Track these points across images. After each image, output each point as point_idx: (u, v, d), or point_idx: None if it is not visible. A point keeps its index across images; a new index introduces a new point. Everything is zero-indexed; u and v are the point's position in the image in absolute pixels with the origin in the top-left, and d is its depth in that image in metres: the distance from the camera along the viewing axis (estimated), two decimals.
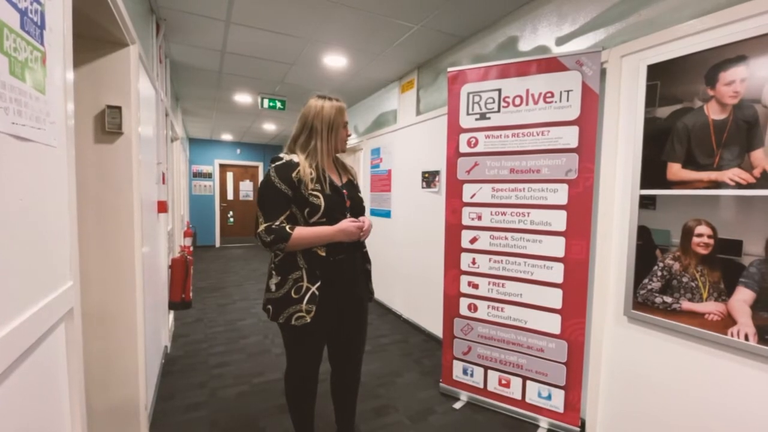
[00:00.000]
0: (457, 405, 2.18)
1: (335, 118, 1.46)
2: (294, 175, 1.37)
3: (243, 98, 4.60)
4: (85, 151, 1.50)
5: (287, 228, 1.33)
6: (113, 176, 1.57)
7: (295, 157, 1.43)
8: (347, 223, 1.38)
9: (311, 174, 1.39)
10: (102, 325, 1.59)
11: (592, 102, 1.80)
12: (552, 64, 1.89)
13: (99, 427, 1.61)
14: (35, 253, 0.73)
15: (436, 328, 3.02)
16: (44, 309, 0.75)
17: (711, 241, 1.41)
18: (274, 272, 1.44)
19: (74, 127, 0.91)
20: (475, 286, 2.17)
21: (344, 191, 1.47)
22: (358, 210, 1.51)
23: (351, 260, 1.48)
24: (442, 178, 2.98)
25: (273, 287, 1.42)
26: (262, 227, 1.34)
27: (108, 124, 1.53)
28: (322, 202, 1.38)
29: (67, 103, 0.87)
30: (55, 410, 0.84)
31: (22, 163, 0.68)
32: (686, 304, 1.48)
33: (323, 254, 1.39)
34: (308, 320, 1.36)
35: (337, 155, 1.57)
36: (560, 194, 1.90)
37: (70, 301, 0.88)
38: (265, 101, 4.39)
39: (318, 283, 1.38)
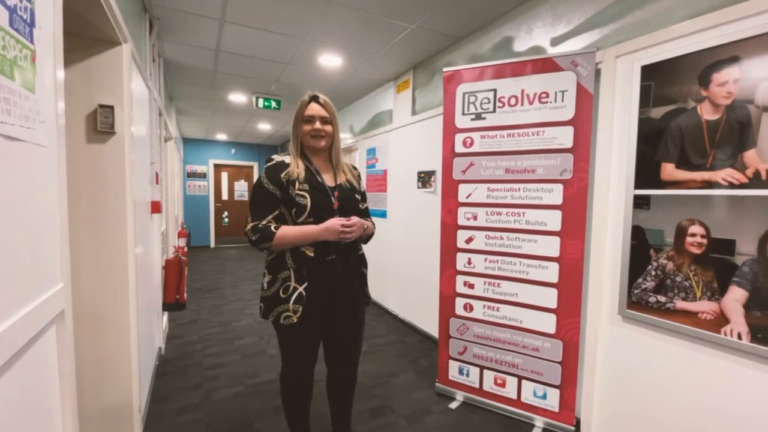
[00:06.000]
0: (453, 405, 2.18)
1: (296, 113, 1.47)
2: (283, 175, 1.39)
3: (238, 98, 4.57)
4: (76, 151, 1.49)
5: (272, 227, 1.34)
6: (105, 176, 1.55)
7: (287, 158, 1.44)
8: (333, 221, 1.36)
9: (299, 174, 1.39)
10: (95, 327, 1.58)
11: (586, 102, 1.81)
12: (547, 65, 1.89)
13: (92, 430, 1.59)
14: (25, 254, 0.72)
15: (432, 328, 3.02)
16: (34, 311, 0.74)
17: (704, 241, 1.42)
18: (266, 271, 1.45)
19: (65, 126, 0.90)
20: (471, 286, 2.17)
21: (335, 192, 1.46)
22: (350, 212, 1.48)
23: (344, 262, 1.47)
24: (438, 178, 2.98)
25: (265, 285, 1.43)
26: (249, 226, 1.37)
27: (100, 124, 1.51)
28: (308, 201, 1.37)
29: (58, 102, 0.85)
30: (47, 414, 0.83)
31: (11, 163, 0.67)
32: (680, 303, 1.49)
33: (311, 255, 1.39)
34: (294, 320, 1.36)
35: (340, 156, 1.54)
36: (555, 194, 1.91)
37: (60, 303, 0.87)
38: (260, 101, 4.37)
39: (305, 284, 1.38)
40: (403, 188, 3.53)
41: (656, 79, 1.54)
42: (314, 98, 1.45)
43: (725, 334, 1.37)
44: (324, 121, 1.45)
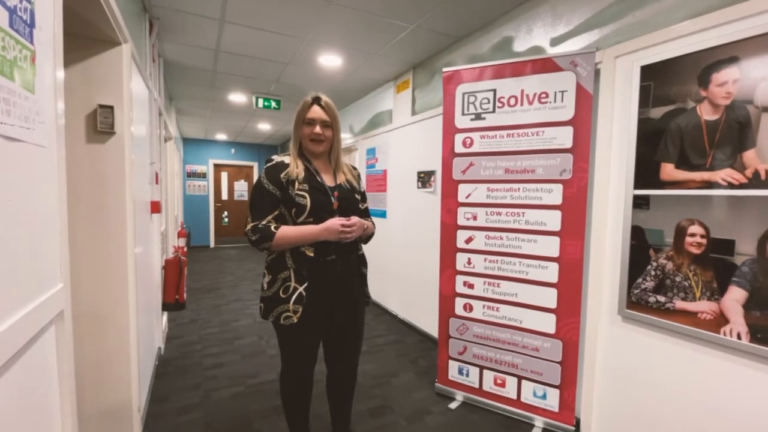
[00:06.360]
0: (453, 405, 2.18)
1: (297, 113, 1.47)
2: (282, 175, 1.39)
3: (237, 98, 4.57)
4: (76, 151, 1.49)
5: (272, 227, 1.35)
6: (105, 176, 1.55)
7: (286, 159, 1.44)
8: (333, 221, 1.36)
9: (298, 174, 1.40)
10: (94, 327, 1.58)
11: (586, 102, 1.81)
12: (547, 65, 1.89)
13: (92, 430, 1.60)
14: (24, 254, 0.72)
15: (432, 328, 3.02)
16: (34, 312, 0.74)
17: (704, 241, 1.42)
18: (266, 271, 1.45)
19: (65, 126, 0.90)
20: (471, 286, 2.17)
21: (335, 192, 1.46)
22: (349, 212, 1.48)
23: (344, 262, 1.47)
24: (438, 178, 2.98)
25: (265, 286, 1.44)
26: (249, 226, 1.37)
27: (100, 124, 1.51)
28: (308, 201, 1.38)
29: (58, 102, 0.85)
30: (46, 414, 0.83)
31: (11, 164, 0.67)
32: (679, 303, 1.49)
33: (311, 255, 1.39)
34: (295, 320, 1.36)
35: (340, 157, 1.54)
36: (555, 194, 1.91)
37: (60, 304, 0.87)
38: (260, 101, 4.37)
39: (305, 284, 1.38)
40: (403, 188, 3.53)
41: (656, 80, 1.54)
42: (316, 100, 1.45)
43: (725, 334, 1.37)
44: (324, 125, 1.45)
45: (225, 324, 3.42)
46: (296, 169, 1.41)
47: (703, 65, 1.40)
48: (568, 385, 1.93)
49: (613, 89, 1.73)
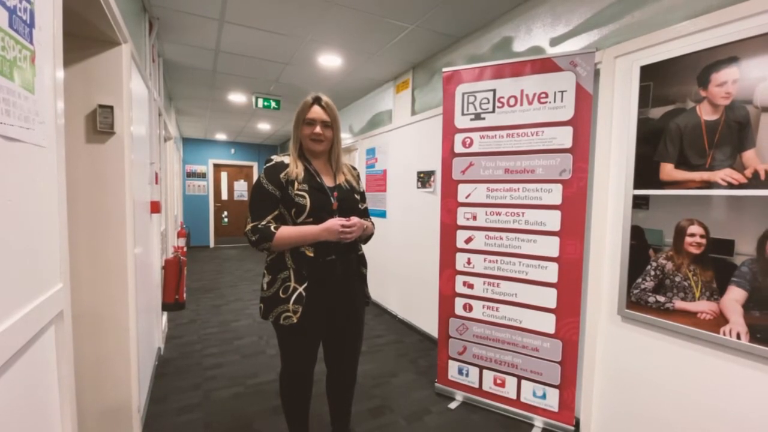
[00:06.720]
0: (453, 405, 2.18)
1: (297, 114, 1.47)
2: (282, 176, 1.39)
3: (237, 98, 4.57)
4: (76, 151, 1.49)
5: (272, 227, 1.35)
6: (105, 176, 1.55)
7: (286, 159, 1.44)
8: (332, 222, 1.36)
9: (298, 174, 1.40)
10: (94, 327, 1.58)
11: (585, 102, 1.81)
12: (546, 65, 1.89)
13: (91, 430, 1.60)
14: (23, 255, 0.72)
15: (432, 328, 3.02)
16: (33, 312, 0.74)
17: (703, 241, 1.42)
18: (266, 271, 1.45)
19: (65, 126, 0.90)
20: (470, 286, 2.17)
21: (335, 192, 1.46)
22: (349, 212, 1.48)
23: (344, 262, 1.47)
24: (438, 178, 2.98)
25: (265, 286, 1.43)
26: (249, 227, 1.37)
27: (100, 124, 1.51)
28: (307, 202, 1.38)
29: (57, 102, 0.85)
30: (46, 414, 0.83)
31: (10, 164, 0.67)
32: (679, 303, 1.49)
33: (311, 255, 1.39)
34: (294, 320, 1.36)
35: (340, 158, 1.54)
36: (554, 194, 1.91)
37: (59, 304, 0.87)
38: (260, 101, 4.37)
39: (305, 284, 1.38)
40: (403, 188, 3.53)
41: (655, 80, 1.54)
42: (317, 101, 1.44)
43: (724, 334, 1.37)
44: (325, 125, 1.45)
45: (224, 324, 3.42)
46: (296, 169, 1.41)
47: (703, 65, 1.40)
48: (567, 385, 1.93)
49: (613, 89, 1.73)
